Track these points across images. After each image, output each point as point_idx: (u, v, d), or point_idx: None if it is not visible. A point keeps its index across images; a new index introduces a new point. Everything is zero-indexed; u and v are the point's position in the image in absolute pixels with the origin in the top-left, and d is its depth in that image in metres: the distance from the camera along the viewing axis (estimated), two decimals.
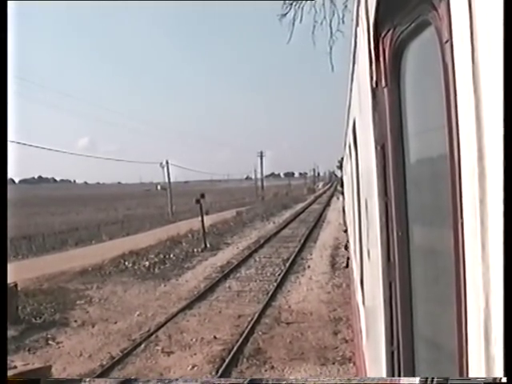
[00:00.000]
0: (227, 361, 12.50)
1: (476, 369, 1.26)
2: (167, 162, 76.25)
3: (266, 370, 12.08)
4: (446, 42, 1.40)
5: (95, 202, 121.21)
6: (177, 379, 9.56)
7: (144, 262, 27.48)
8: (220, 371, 11.89)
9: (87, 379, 9.96)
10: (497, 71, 1.04)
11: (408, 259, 2.36)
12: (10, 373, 12.14)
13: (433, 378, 1.70)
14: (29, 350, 14.12)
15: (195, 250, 31.68)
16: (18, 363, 12.78)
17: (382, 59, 2.35)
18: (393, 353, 2.51)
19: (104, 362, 12.96)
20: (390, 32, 2.22)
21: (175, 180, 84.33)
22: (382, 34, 2.30)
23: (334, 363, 12.28)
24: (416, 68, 2.17)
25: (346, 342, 13.41)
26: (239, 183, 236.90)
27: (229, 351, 13.22)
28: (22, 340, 14.82)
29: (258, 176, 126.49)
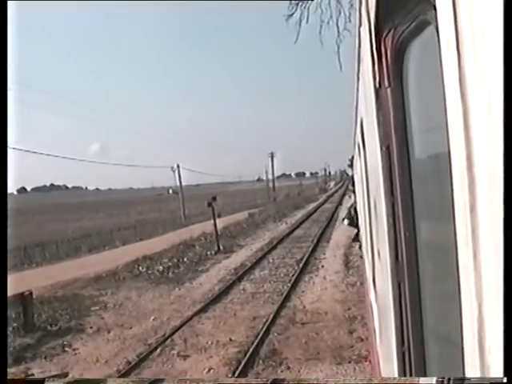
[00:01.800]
0: (243, 363, 12.49)
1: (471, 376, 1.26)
2: (178, 166, 76.42)
3: (282, 371, 12.07)
4: None
5: (107, 208, 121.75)
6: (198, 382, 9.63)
7: (158, 266, 27.56)
8: (236, 373, 11.89)
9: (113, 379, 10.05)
10: (484, 76, 1.03)
11: (416, 259, 2.37)
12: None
13: (449, 379, 1.68)
14: (45, 358, 14.14)
15: (208, 252, 31.78)
16: (35, 370, 12.92)
17: (384, 59, 2.36)
18: (404, 353, 2.53)
19: (121, 367, 12.99)
20: (391, 32, 2.24)
21: (186, 183, 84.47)
22: (384, 34, 2.31)
23: (349, 362, 12.26)
24: (418, 68, 2.17)
25: (362, 340, 13.37)
26: (251, 185, 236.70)
27: (245, 353, 13.22)
28: (39, 347, 14.88)
29: (270, 177, 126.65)
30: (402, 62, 2.26)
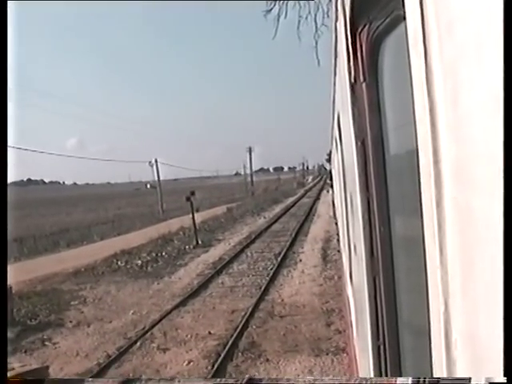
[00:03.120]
0: (222, 355, 12.63)
1: (438, 371, 1.30)
2: (156, 161, 76.12)
3: (261, 363, 12.23)
4: None
5: (85, 203, 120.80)
6: (179, 380, 9.72)
7: (136, 260, 27.58)
8: (216, 366, 12.03)
9: (90, 379, 10.06)
10: (449, 77, 1.05)
11: (391, 254, 2.40)
12: (16, 377, 12.30)
13: (425, 378, 1.69)
14: (25, 352, 14.22)
15: (187, 247, 31.79)
16: (16, 365, 12.91)
17: (359, 54, 2.37)
18: (379, 347, 2.57)
19: (101, 361, 13.06)
20: (367, 27, 2.24)
21: (164, 178, 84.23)
22: (359, 29, 2.30)
23: (327, 354, 12.43)
24: (393, 63, 2.16)
25: (339, 332, 13.53)
26: (228, 179, 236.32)
27: (224, 346, 13.34)
28: (19, 342, 14.91)
29: (248, 171, 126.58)
30: (377, 57, 2.28)
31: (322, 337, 13.68)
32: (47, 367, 12.77)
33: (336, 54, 3.88)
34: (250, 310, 16.47)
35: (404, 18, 1.57)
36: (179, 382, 9.57)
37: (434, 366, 1.35)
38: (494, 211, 0.87)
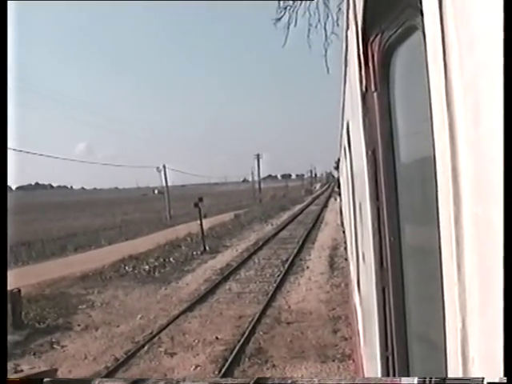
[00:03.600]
0: (229, 360, 12.76)
1: None
2: (164, 166, 76.32)
3: (267, 369, 12.34)
4: None
5: (92, 208, 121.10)
6: (184, 380, 9.78)
7: (144, 266, 27.70)
8: (223, 371, 12.15)
9: (96, 380, 10.11)
10: (469, 93, 1.04)
11: (400, 264, 2.39)
12: (12, 377, 12.41)
13: (431, 378, 1.67)
14: (34, 354, 14.35)
15: (194, 253, 31.92)
16: (25, 367, 13.07)
17: (371, 64, 2.36)
18: (387, 358, 2.56)
19: (109, 364, 13.22)
20: (379, 37, 2.26)
21: (172, 184, 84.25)
22: (371, 39, 2.31)
23: (333, 360, 12.54)
24: (404, 73, 2.19)
25: (346, 339, 13.63)
26: (236, 186, 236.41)
27: (231, 351, 13.46)
28: (27, 344, 15.05)
29: (255, 178, 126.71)
30: (388, 66, 2.28)
31: (328, 343, 13.77)
32: (56, 370, 12.90)
33: (346, 63, 3.86)
34: (257, 316, 16.56)
35: (416, 29, 1.65)
36: (186, 382, 9.75)
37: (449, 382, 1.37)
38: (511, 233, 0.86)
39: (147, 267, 27.28)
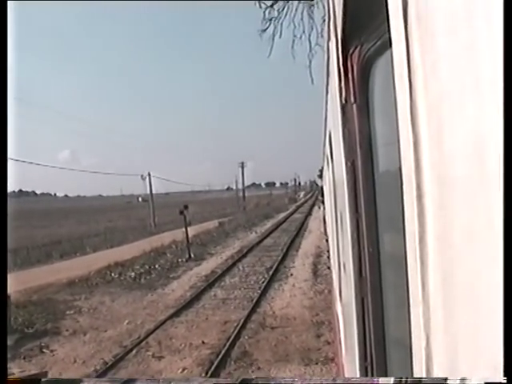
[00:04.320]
0: (215, 363, 13.12)
1: None
2: (149, 174, 76.41)
3: (252, 371, 12.68)
4: None
5: (76, 215, 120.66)
6: (173, 380, 10.10)
7: (130, 272, 27.93)
8: (209, 373, 12.49)
9: (88, 379, 10.44)
10: (433, 114, 1.05)
11: (379, 274, 2.42)
12: (17, 377, 12.73)
13: (407, 378, 1.63)
14: (24, 358, 14.63)
15: (180, 260, 32.22)
16: (15, 370, 13.38)
17: (350, 75, 2.37)
18: (366, 368, 2.58)
19: (98, 367, 13.53)
20: (358, 49, 2.27)
21: (156, 192, 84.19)
22: (351, 51, 2.32)
23: (317, 363, 12.93)
24: (383, 85, 2.16)
25: (328, 343, 14.01)
26: (220, 194, 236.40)
27: (217, 355, 13.81)
28: (17, 349, 15.30)
29: (239, 186, 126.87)
30: (367, 78, 2.30)
31: (311, 347, 14.16)
32: (46, 373, 13.20)
33: (328, 73, 3.87)
34: (242, 321, 16.89)
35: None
36: (178, 382, 10.01)
37: None
38: (474, 252, 0.89)
39: (133, 274, 27.51)
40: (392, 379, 1.80)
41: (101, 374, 12.89)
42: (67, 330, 17.41)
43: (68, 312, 19.93)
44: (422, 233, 1.12)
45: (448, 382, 1.13)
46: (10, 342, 15.62)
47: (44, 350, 15.35)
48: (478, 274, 0.87)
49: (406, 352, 1.96)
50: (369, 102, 2.33)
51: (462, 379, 1.01)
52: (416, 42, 1.10)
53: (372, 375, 2.53)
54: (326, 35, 3.48)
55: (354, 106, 2.39)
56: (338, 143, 2.86)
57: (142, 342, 15.50)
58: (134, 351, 14.67)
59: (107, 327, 17.58)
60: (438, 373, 1.13)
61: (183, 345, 15.05)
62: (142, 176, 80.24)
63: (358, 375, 2.67)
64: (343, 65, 2.39)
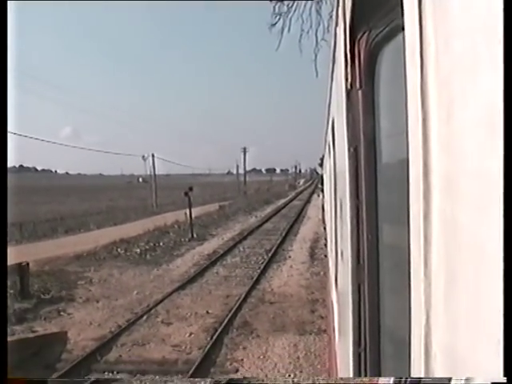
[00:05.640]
0: (219, 330, 14.38)
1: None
2: (153, 155, 76.94)
3: (252, 338, 13.99)
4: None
5: (77, 193, 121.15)
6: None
7: (135, 249, 29.13)
8: (214, 338, 13.79)
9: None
10: (444, 91, 1.04)
11: (377, 262, 2.39)
12: (31, 335, 14.05)
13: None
14: (45, 319, 15.95)
15: (182, 239, 33.34)
16: (39, 329, 14.71)
17: (357, 61, 2.35)
18: (360, 354, 2.57)
19: (113, 329, 14.85)
20: (366, 35, 2.24)
21: (157, 173, 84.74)
22: (358, 37, 2.30)
23: (310, 334, 14.20)
24: (390, 72, 2.16)
25: (322, 318, 15.24)
26: (220, 178, 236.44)
27: (220, 323, 15.09)
28: (37, 311, 16.63)
29: (240, 171, 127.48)
30: (374, 64, 2.27)
31: (306, 320, 15.45)
32: (66, 332, 14.55)
33: (334, 60, 3.81)
34: (243, 295, 18.16)
35: (403, 29, 1.59)
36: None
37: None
38: (480, 226, 0.87)
39: (138, 250, 28.73)
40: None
41: (116, 335, 14.21)
42: (81, 298, 18.74)
43: (79, 282, 21.25)
44: (426, 210, 1.12)
45: (452, 382, 1.05)
46: (29, 306, 16.99)
47: (62, 314, 16.70)
48: (483, 252, 0.85)
49: (401, 339, 2.05)
50: (374, 89, 2.33)
51: (467, 379, 0.94)
52: (429, 19, 1.10)
53: (365, 361, 2.54)
54: (333, 21, 3.41)
55: (360, 91, 2.38)
56: (342, 129, 2.85)
57: (151, 309, 16.84)
58: (144, 317, 16.00)
59: (118, 296, 18.92)
60: (436, 350, 1.12)
61: (189, 314, 16.37)
62: (143, 157, 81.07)
63: (351, 361, 2.67)
64: (350, 51, 2.38)
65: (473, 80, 0.89)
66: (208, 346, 13.13)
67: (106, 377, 11.48)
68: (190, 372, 11.52)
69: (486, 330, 0.85)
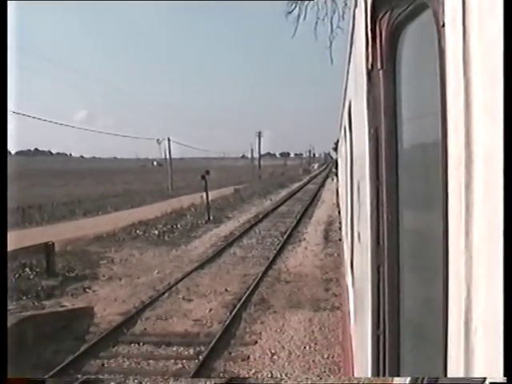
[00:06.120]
0: (238, 306, 15.07)
1: (455, 359, 1.27)
2: (169, 139, 77.47)
3: (269, 313, 14.66)
4: (443, 25, 1.34)
5: (93, 176, 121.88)
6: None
7: (154, 230, 29.74)
8: (233, 313, 14.46)
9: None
10: (488, 57, 1.03)
11: (397, 243, 2.35)
12: (60, 309, 14.79)
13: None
14: (72, 295, 16.74)
15: (199, 221, 33.91)
16: (67, 303, 15.47)
17: (378, 41, 2.32)
18: (379, 336, 2.52)
19: (137, 305, 15.59)
20: (388, 14, 2.20)
21: (171, 156, 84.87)
22: (380, 16, 2.27)
23: (324, 310, 14.84)
24: (413, 51, 2.15)
25: (335, 296, 15.86)
26: (235, 162, 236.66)
27: (238, 300, 15.77)
28: (63, 288, 17.42)
29: (255, 155, 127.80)
30: (396, 45, 2.24)
31: (320, 298, 16.10)
32: (92, 307, 15.30)
33: (352, 42, 3.76)
34: (260, 274, 18.81)
35: (427, 7, 1.60)
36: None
37: (450, 352, 1.34)
38: None
39: (156, 232, 29.38)
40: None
41: (141, 310, 14.96)
42: (104, 276, 19.53)
43: (101, 262, 22.02)
44: (468, 179, 1.09)
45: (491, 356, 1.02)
46: (56, 283, 17.76)
47: (87, 290, 17.49)
48: None
49: (421, 320, 2.10)
50: (396, 69, 2.27)
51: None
52: None
53: (384, 343, 2.49)
54: (352, 2, 3.32)
55: (381, 71, 2.33)
56: (361, 110, 2.79)
57: (172, 287, 17.60)
58: (166, 294, 16.75)
59: (139, 275, 19.67)
60: (477, 324, 1.11)
61: (209, 291, 17.09)
62: (157, 140, 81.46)
63: (369, 342, 2.62)
64: (371, 30, 2.35)
65: None
66: (228, 321, 13.78)
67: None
68: (212, 343, 12.21)
69: (505, 315, 0.88)
